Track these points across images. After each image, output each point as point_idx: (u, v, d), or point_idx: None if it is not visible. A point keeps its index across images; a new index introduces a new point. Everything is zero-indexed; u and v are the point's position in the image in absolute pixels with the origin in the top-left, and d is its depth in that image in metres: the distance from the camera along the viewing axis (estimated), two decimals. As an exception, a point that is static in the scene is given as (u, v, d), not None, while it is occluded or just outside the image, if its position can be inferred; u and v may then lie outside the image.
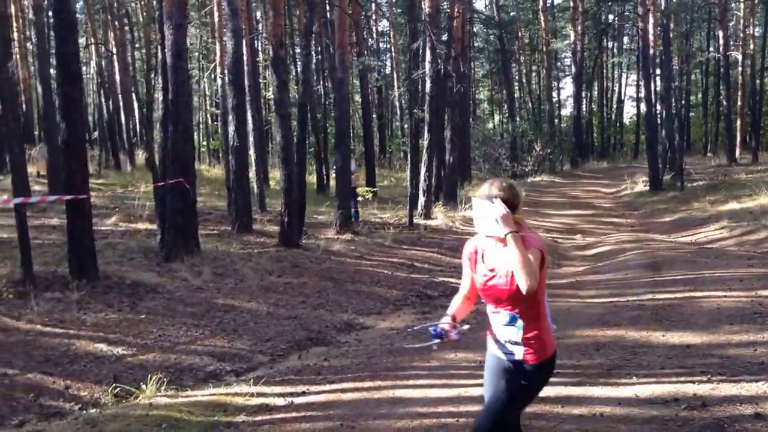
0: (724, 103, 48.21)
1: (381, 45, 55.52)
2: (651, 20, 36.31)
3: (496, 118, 57.71)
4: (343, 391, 7.83)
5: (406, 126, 48.30)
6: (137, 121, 44.75)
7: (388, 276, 15.78)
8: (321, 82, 35.52)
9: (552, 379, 7.30)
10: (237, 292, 13.08)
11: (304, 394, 7.79)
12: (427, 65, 24.41)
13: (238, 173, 19.74)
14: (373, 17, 48.50)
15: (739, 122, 48.83)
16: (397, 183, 37.24)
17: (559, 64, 63.25)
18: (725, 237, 21.55)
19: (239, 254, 15.83)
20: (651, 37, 36.38)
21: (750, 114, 47.55)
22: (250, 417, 7.05)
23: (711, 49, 54.06)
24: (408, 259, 17.75)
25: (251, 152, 23.66)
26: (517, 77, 57.09)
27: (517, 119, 49.37)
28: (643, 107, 54.72)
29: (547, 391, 6.96)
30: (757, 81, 48.11)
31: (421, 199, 23.82)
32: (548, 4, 56.08)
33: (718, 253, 17.75)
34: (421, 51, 25.04)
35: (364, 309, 12.99)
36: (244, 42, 21.18)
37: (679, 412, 6.40)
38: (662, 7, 37.47)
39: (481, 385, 7.25)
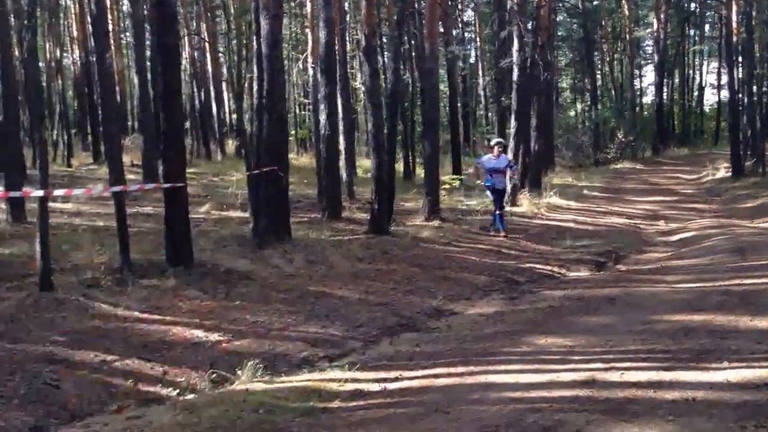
0: (809, 89, 47.39)
1: (466, 35, 55.37)
2: (734, 8, 35.90)
3: (578, 106, 57.18)
4: (435, 376, 7.81)
5: (490, 114, 48.37)
6: (227, 111, 45.42)
7: (476, 262, 15.84)
8: (408, 72, 35.56)
9: (642, 364, 7.54)
10: (328, 279, 13.26)
11: (397, 379, 7.78)
12: (515, 54, 24.57)
13: (329, 161, 20.11)
14: (459, 6, 48.32)
15: (824, 107, 47.85)
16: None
17: (641, 52, 62.53)
18: (811, 221, 21.33)
19: (330, 241, 16.08)
20: (734, 25, 36.01)
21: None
22: (344, 402, 7.07)
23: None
24: (495, 246, 17.82)
25: (341, 140, 23.94)
26: (599, 65, 56.57)
27: (600, 107, 49.13)
28: (724, 94, 54.13)
29: (638, 376, 7.06)
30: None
31: (508, 187, 24.01)
32: (634, -7, 55.49)
33: (805, 239, 17.63)
34: (508, 40, 25.15)
35: (453, 295, 12.98)
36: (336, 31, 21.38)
37: None
38: (747, -5, 36.98)
39: (573, 370, 7.48)
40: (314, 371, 8.54)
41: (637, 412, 6.12)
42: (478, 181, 20.39)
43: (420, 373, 8.00)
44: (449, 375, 7.82)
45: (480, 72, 49.93)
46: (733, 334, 8.63)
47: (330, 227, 18.04)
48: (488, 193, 19.70)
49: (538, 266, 15.80)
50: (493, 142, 20.34)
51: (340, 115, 23.19)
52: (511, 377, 7.55)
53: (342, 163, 23.69)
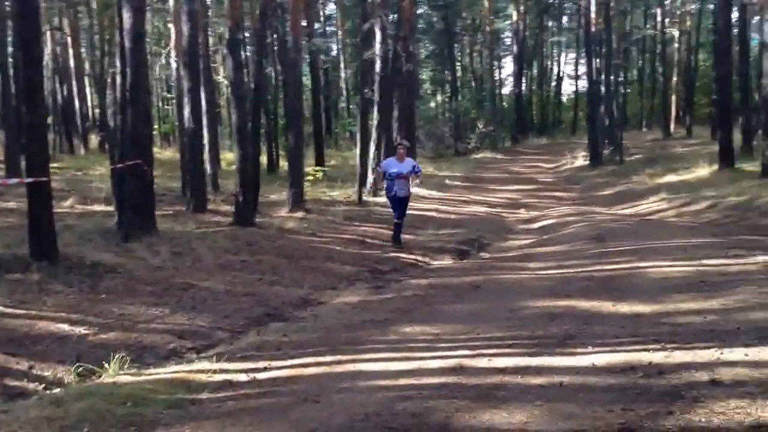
0: (661, 79, 49.56)
1: (327, 29, 55.49)
2: (593, -1, 37.05)
3: (439, 97, 58.04)
4: (304, 365, 7.77)
5: (352, 107, 48.59)
6: (90, 106, 44.44)
7: (341, 252, 16.01)
8: (271, 65, 35.47)
9: (509, 350, 7.63)
10: (195, 271, 13.15)
11: (265, 369, 7.70)
12: (378, 46, 24.66)
13: (193, 154, 19.87)
14: (321, 0, 48.50)
15: (674, 98, 50.09)
16: (344, 162, 37.35)
17: (500, 43, 63.78)
18: (665, 208, 22.24)
19: (195, 234, 15.89)
20: (593, 15, 37.13)
21: (684, 89, 48.88)
22: (213, 393, 6.98)
23: (648, 26, 55.06)
24: (359, 236, 18.05)
25: (205, 134, 23.72)
26: (459, 57, 57.41)
27: (460, 98, 49.95)
28: (581, 84, 55.92)
29: (505, 362, 7.13)
30: (692, 57, 49.27)
31: (370, 177, 24.18)
32: (492, -15, 56.45)
33: (660, 225, 18.36)
34: (371, 32, 25.24)
35: (319, 285, 13.06)
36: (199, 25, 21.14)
37: (637, 380, 6.47)
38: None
39: (440, 357, 7.54)
40: (182, 363, 8.44)
41: (505, 398, 6.19)
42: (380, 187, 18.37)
43: (289, 362, 7.95)
44: (318, 364, 7.79)
45: (342, 65, 50.15)
46: (597, 319, 8.87)
47: (195, 220, 17.86)
48: (388, 202, 17.72)
49: (402, 255, 16.05)
50: (396, 144, 19.01)
51: (204, 109, 22.94)
52: (379, 365, 7.58)
53: (206, 156, 23.45)
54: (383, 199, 22.62)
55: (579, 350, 7.53)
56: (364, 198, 22.99)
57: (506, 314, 9.52)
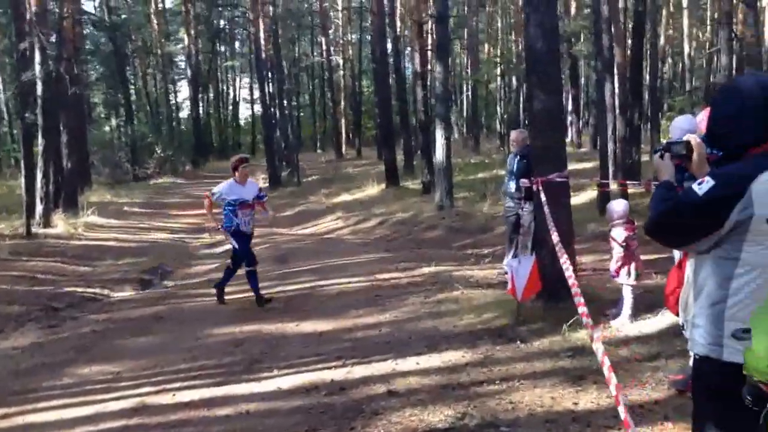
0: (330, 103, 51.76)
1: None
2: (261, 25, 38.00)
3: (113, 121, 56.75)
4: None
5: (15, 132, 46.29)
6: None
7: (8, 291, 14.38)
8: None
9: (195, 382, 7.63)
10: None
11: None
12: (38, 67, 23.62)
13: None
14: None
15: (343, 121, 52.28)
16: (10, 191, 35.49)
17: (174, 67, 63.35)
18: (341, 227, 22.99)
19: None
20: (263, 42, 37.89)
21: (352, 113, 51.46)
22: None
23: (315, 54, 57.11)
24: (28, 271, 16.41)
25: None
26: (133, 80, 56.46)
27: (136, 122, 49.10)
28: (257, 108, 56.76)
29: (191, 395, 7.16)
30: (357, 83, 51.73)
31: (39, 208, 22.97)
32: (160, 8, 55.94)
33: (337, 243, 19.01)
34: (30, 52, 24.20)
35: (-19, 329, 11.82)
36: None
37: (321, 399, 6.74)
38: (271, 14, 39.21)
39: (121, 398, 7.35)
40: None
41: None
42: (215, 226, 12.60)
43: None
44: (-17, 420, 7.14)
45: (0, 86, 47.53)
46: (282, 341, 9.10)
47: None
48: (231, 240, 12.06)
49: (79, 289, 14.87)
50: (234, 159, 12.63)
51: None
52: (53, 415, 7.13)
53: None
54: (56, 231, 21.70)
55: (265, 374, 7.70)
56: (34, 230, 21.77)
57: (191, 344, 9.46)
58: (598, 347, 3.90)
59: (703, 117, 6.06)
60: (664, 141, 4.81)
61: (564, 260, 5.61)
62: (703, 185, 3.12)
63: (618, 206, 8.78)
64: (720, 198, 3.08)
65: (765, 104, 3.13)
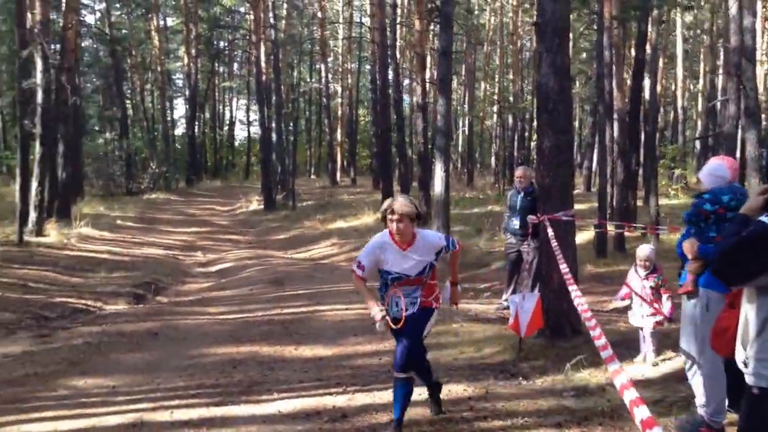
0: (327, 130, 52.06)
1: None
2: (262, 49, 38.34)
3: (108, 134, 56.67)
4: None
5: (8, 138, 46.09)
6: None
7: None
8: None
9: (192, 401, 7.56)
10: None
11: None
12: (39, 75, 23.62)
13: None
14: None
15: (339, 148, 52.42)
16: (1, 198, 35.31)
17: (172, 84, 63.42)
18: (336, 253, 22.93)
19: None
20: (263, 65, 38.19)
21: (348, 141, 51.81)
22: None
23: (313, 80, 57.47)
24: (20, 279, 16.33)
25: None
26: (130, 95, 56.42)
27: (131, 137, 49.12)
28: (253, 130, 56.98)
29: (189, 414, 7.10)
30: (354, 112, 52.05)
31: (33, 216, 22.87)
32: (161, 26, 56.03)
33: (333, 269, 18.90)
34: (31, 60, 24.17)
35: (-30, 337, 11.66)
36: None
37: (323, 425, 6.69)
38: (273, 38, 39.51)
39: (118, 412, 7.25)
40: None
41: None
42: None
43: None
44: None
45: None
46: (281, 364, 9.03)
47: None
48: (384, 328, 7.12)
49: (71, 300, 14.78)
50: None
51: None
52: (47, 426, 7.00)
53: None
54: (48, 240, 21.54)
55: (264, 397, 7.62)
56: (26, 238, 21.64)
57: (188, 362, 9.40)
58: (620, 379, 3.84)
59: (730, 165, 6.13)
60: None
61: (576, 295, 5.60)
62: None
63: (641, 251, 8.62)
64: None
65: None
